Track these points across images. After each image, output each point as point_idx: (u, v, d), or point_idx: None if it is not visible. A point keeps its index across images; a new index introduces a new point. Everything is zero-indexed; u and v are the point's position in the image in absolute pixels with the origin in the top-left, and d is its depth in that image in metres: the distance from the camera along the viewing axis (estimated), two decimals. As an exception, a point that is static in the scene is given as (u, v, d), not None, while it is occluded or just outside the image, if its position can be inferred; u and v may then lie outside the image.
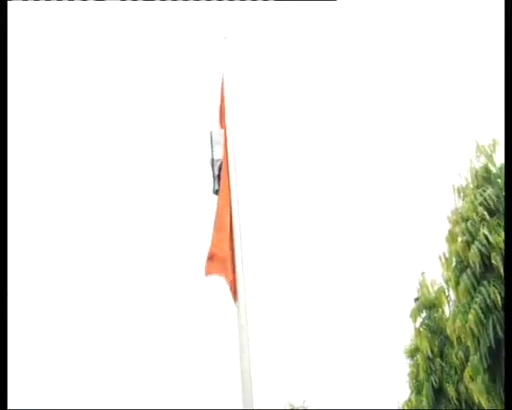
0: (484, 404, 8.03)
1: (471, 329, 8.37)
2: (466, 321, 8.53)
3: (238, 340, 2.56)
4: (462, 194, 9.40)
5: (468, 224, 8.66)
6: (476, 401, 8.31)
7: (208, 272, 3.72)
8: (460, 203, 9.39)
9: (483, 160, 9.39)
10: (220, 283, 3.46)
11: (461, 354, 9.02)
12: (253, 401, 2.29)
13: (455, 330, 9.11)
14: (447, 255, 9.31)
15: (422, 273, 10.99)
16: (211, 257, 3.76)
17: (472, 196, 8.99)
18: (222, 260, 3.69)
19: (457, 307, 9.31)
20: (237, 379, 2.46)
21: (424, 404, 9.42)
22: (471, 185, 9.25)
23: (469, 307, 8.39)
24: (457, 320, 9.02)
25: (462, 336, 8.70)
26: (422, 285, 10.75)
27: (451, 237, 9.19)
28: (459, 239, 8.91)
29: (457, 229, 8.96)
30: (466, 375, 8.61)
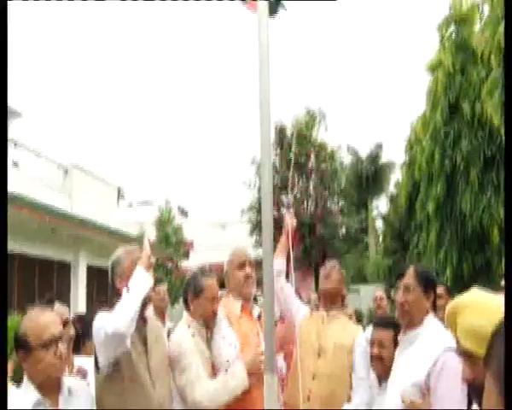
0: (496, 120, 7.84)
1: (499, 42, 7.72)
2: (495, 33, 7.84)
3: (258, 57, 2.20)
4: None
5: None
6: (489, 117, 8.10)
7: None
8: None
9: None
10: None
11: (483, 72, 8.47)
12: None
13: (481, 43, 8.42)
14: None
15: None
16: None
17: None
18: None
19: (489, 16, 8.41)
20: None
21: (438, 119, 9.29)
22: None
23: (501, 19, 7.57)
24: (486, 32, 8.26)
25: (488, 51, 8.05)
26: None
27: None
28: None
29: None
30: (484, 92, 8.24)
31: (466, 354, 1.63)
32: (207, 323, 3.07)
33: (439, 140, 9.25)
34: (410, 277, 2.67)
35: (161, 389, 2.70)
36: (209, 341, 3.09)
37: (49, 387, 2.23)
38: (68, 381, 2.33)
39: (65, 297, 11.94)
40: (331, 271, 3.39)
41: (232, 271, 3.25)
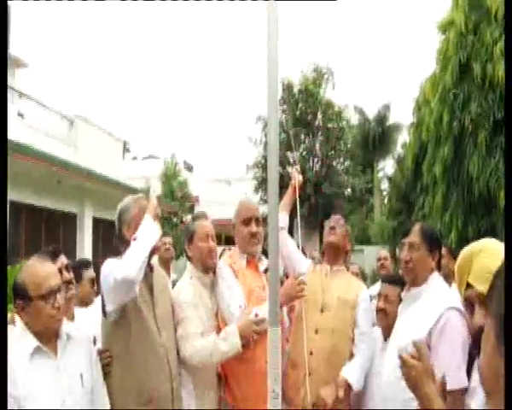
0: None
1: (515, 1, 7.48)
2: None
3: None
4: None
5: None
6: (501, 79, 7.94)
7: None
8: None
9: None
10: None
11: (496, 32, 8.24)
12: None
13: (495, 2, 8.18)
14: None
15: None
16: None
17: None
18: None
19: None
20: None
21: (448, 80, 9.11)
22: None
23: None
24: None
25: (502, 10, 7.83)
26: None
27: None
28: None
29: None
30: (496, 53, 8.04)
31: (480, 299, 1.63)
32: (206, 266, 3.06)
33: (448, 102, 9.07)
34: (415, 235, 2.67)
35: (167, 338, 2.75)
36: (214, 291, 3.11)
37: (48, 335, 2.27)
38: (66, 327, 2.37)
39: (71, 248, 12.07)
40: (336, 224, 3.34)
41: (238, 225, 3.21)
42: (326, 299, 3.18)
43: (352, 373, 3.02)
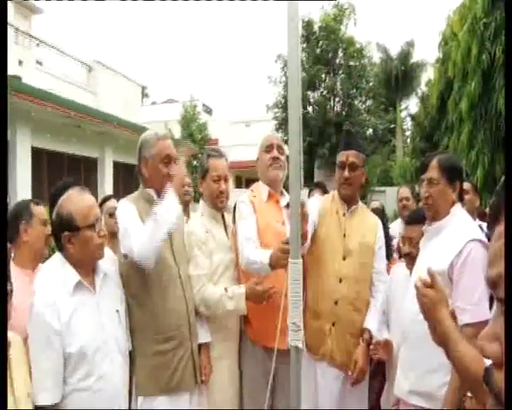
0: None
1: None
2: None
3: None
4: None
5: None
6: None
7: None
8: None
9: None
10: None
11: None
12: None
13: None
14: None
15: None
16: None
17: None
18: None
19: None
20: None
21: (478, 8, 8.66)
22: None
23: None
24: None
25: None
26: None
27: None
28: None
29: None
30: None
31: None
32: (216, 206, 3.03)
33: (478, 33, 8.65)
34: (433, 169, 2.54)
35: (184, 272, 2.75)
36: (231, 228, 3.09)
37: (88, 269, 2.29)
38: (103, 264, 2.38)
39: (92, 192, 12.19)
40: (348, 158, 3.05)
41: (260, 154, 3.16)
42: (348, 245, 3.03)
43: (374, 323, 2.99)
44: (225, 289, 2.83)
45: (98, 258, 2.31)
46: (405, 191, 5.40)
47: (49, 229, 2.65)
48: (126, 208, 2.58)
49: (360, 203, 3.20)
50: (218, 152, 3.15)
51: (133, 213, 2.55)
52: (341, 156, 3.08)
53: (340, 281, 2.97)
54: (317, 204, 3.18)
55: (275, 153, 3.08)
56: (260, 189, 3.14)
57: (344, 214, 3.11)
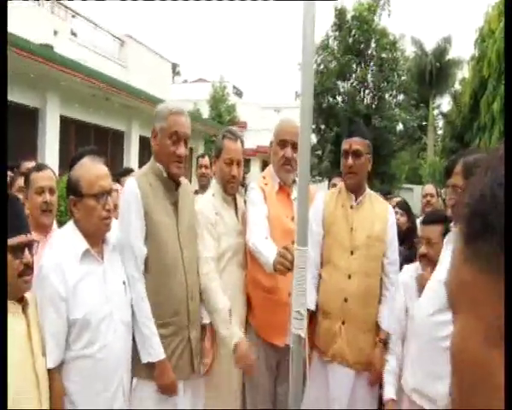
0: None
1: None
2: None
3: None
4: None
5: None
6: None
7: None
8: None
9: None
10: None
11: None
12: None
13: None
14: None
15: None
16: None
17: None
18: None
19: None
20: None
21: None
22: None
23: None
24: None
25: None
26: None
27: None
28: None
29: None
30: None
31: None
32: (227, 190, 2.96)
33: (516, 31, 8.42)
34: (457, 175, 2.37)
35: (189, 256, 2.64)
36: (241, 209, 3.04)
37: (96, 238, 2.31)
38: (112, 237, 2.40)
39: (118, 165, 12.33)
40: (352, 145, 2.95)
41: (274, 145, 3.07)
42: (355, 239, 2.91)
43: (385, 319, 2.92)
44: (230, 312, 2.66)
45: (104, 230, 2.32)
46: (430, 188, 5.31)
47: (48, 196, 2.72)
48: (130, 193, 2.49)
49: (368, 190, 3.06)
50: (234, 134, 3.01)
51: (133, 201, 2.47)
52: (344, 145, 2.98)
53: (349, 277, 2.88)
54: (321, 202, 3.08)
55: (288, 153, 2.97)
56: (272, 177, 3.07)
57: (351, 207, 2.99)
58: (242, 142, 3.04)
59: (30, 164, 3.59)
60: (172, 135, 2.52)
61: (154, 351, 2.41)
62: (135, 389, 2.46)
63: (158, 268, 2.49)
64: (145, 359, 2.41)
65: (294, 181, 3.03)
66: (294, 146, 2.82)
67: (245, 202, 3.09)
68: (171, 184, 2.60)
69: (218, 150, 3.01)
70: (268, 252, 2.58)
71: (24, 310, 1.99)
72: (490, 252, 0.47)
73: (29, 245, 1.98)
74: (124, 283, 2.39)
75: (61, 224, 2.72)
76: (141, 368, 2.44)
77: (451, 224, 2.58)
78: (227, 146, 2.96)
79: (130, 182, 2.53)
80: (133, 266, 2.42)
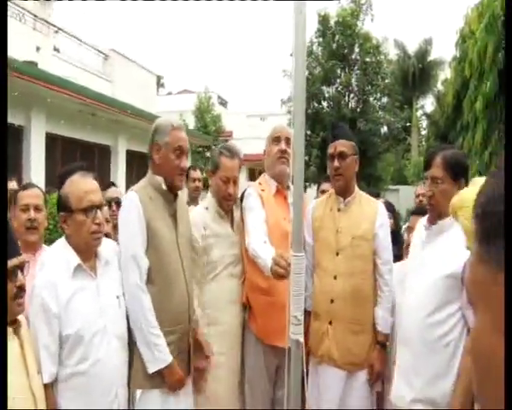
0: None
1: None
2: None
3: None
4: None
5: None
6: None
7: None
8: None
9: None
10: None
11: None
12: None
13: None
14: None
15: None
16: None
17: None
18: None
19: None
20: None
21: (496, 6, 8.53)
22: None
23: None
24: None
25: None
26: None
27: None
28: None
29: None
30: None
31: None
32: (222, 204, 3.00)
33: (496, 31, 8.53)
34: (436, 167, 2.45)
35: (187, 267, 2.69)
36: (236, 220, 3.07)
37: (88, 253, 2.32)
38: (104, 251, 2.41)
39: (106, 180, 12.29)
40: (337, 148, 2.97)
41: (269, 146, 3.13)
42: (340, 240, 2.93)
43: (381, 320, 2.93)
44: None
45: (94, 244, 2.33)
46: (422, 188, 5.38)
47: (32, 214, 2.72)
48: (132, 206, 2.52)
49: (358, 192, 3.07)
50: (231, 151, 3.04)
51: (134, 215, 2.50)
52: (330, 149, 3.00)
53: (335, 278, 2.90)
54: (311, 212, 3.11)
55: (282, 145, 3.04)
56: (268, 182, 3.11)
57: (339, 209, 3.01)
58: (240, 158, 3.09)
59: (11, 183, 3.58)
60: (176, 149, 2.61)
61: (163, 356, 2.45)
62: (139, 402, 2.47)
63: (161, 279, 2.52)
64: (153, 368, 2.44)
65: (289, 187, 3.04)
66: (288, 142, 2.89)
67: (241, 209, 3.09)
68: (170, 196, 2.65)
69: (214, 166, 3.05)
70: (266, 256, 2.61)
71: (16, 331, 1.98)
72: (501, 251, 0.48)
73: (21, 267, 1.98)
74: (117, 297, 2.39)
75: (50, 242, 2.73)
76: (145, 379, 2.46)
77: (427, 218, 2.61)
78: (224, 164, 3.00)
79: (131, 195, 2.56)
80: (138, 278, 2.44)
